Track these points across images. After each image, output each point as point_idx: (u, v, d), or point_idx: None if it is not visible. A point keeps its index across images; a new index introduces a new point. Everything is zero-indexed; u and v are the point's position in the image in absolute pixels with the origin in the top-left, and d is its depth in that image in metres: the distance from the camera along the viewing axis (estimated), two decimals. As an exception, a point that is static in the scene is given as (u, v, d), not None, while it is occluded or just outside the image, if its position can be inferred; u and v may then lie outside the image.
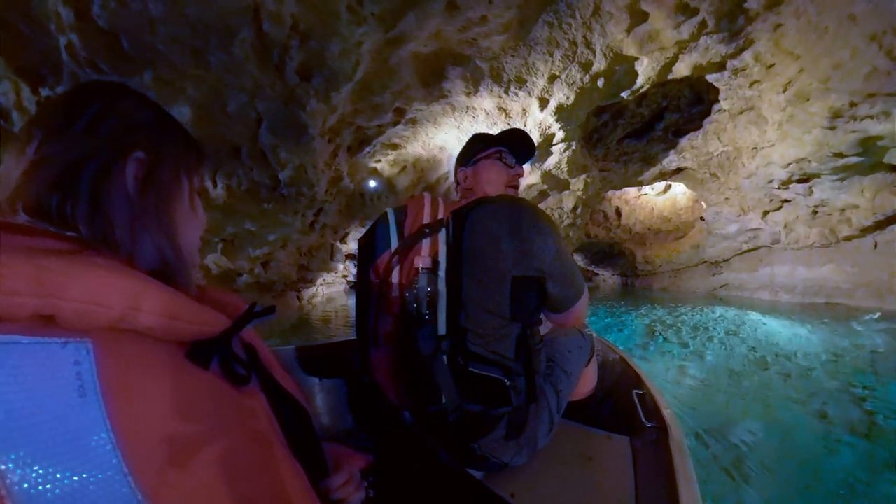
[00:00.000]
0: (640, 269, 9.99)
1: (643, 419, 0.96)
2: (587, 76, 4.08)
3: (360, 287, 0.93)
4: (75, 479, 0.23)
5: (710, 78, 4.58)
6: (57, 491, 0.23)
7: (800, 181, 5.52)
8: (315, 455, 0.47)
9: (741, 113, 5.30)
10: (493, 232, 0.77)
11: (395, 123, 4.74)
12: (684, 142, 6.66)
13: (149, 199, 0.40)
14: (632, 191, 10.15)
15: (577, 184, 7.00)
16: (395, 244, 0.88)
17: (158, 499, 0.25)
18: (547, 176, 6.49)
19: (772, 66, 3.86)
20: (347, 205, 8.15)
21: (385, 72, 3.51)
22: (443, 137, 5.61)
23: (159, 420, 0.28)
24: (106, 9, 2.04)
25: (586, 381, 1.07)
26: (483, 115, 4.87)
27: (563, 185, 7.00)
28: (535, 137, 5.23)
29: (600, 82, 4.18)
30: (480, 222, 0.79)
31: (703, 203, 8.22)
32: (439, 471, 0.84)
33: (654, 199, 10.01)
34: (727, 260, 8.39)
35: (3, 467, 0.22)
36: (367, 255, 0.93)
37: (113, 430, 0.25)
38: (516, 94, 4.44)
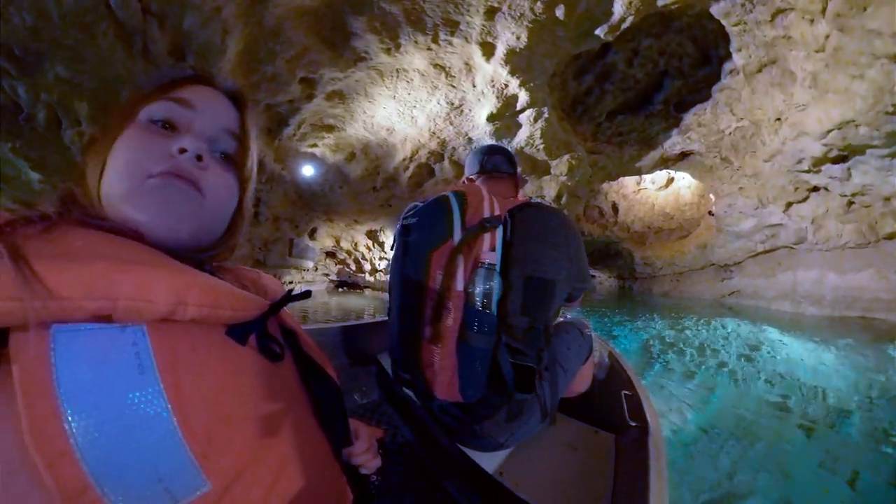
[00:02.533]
0: (638, 272, 8.82)
1: (628, 418, 0.99)
2: (539, 3, 2.99)
3: (405, 277, 0.90)
4: (139, 443, 0.27)
5: (716, 11, 3.45)
6: (124, 454, 0.26)
7: (836, 160, 4.33)
8: (340, 424, 0.49)
9: (760, 70, 4.14)
10: (547, 238, 0.86)
11: (310, 97, 4.08)
12: (689, 118, 5.50)
13: (87, 173, 0.39)
14: (630, 185, 9.05)
15: (560, 166, 5.86)
16: (458, 234, 0.84)
17: (208, 458, 0.29)
18: (519, 156, 5.37)
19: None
20: (299, 196, 7.33)
21: (266, 36, 3.02)
22: (384, 115, 4.82)
23: (205, 391, 0.31)
24: (-6, 23, 2.27)
25: (582, 379, 1.14)
26: (418, 77, 4.02)
27: (542, 169, 5.88)
28: (491, 100, 4.17)
29: (560, 12, 3.08)
30: (537, 226, 0.86)
31: (711, 196, 7.05)
32: (439, 448, 0.95)
33: (655, 193, 8.89)
34: (739, 263, 7.16)
35: (75, 434, 0.24)
36: (420, 241, 0.89)
37: (169, 401, 0.28)
38: (449, 43, 3.49)
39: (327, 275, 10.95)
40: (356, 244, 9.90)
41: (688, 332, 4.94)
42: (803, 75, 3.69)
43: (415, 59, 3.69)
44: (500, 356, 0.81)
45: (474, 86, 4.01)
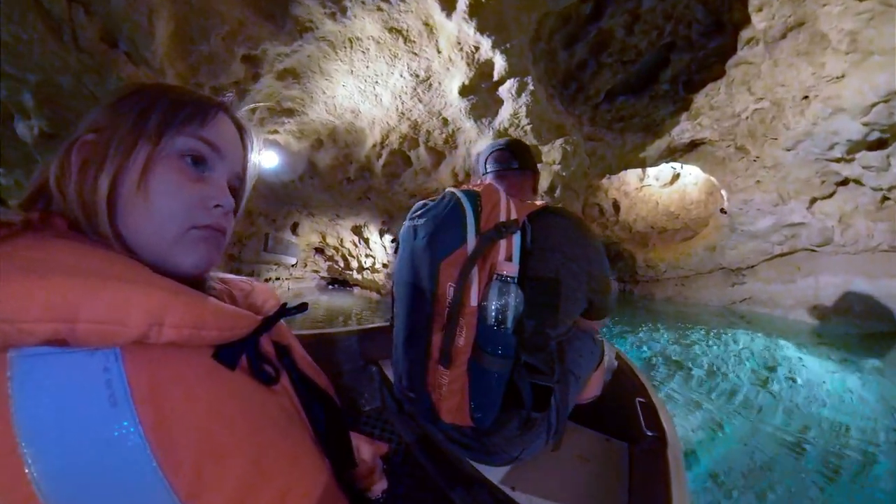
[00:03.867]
0: (640, 275, 8.12)
1: (644, 427, 0.96)
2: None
3: (412, 287, 0.83)
4: (113, 487, 0.24)
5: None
6: (96, 495, 0.23)
7: (874, 146, 3.65)
8: (343, 447, 0.46)
9: (784, 36, 3.48)
10: (567, 249, 0.80)
11: (256, 77, 3.73)
12: (700, 99, 4.83)
13: (84, 184, 0.35)
14: (632, 181, 8.38)
15: (552, 153, 5.20)
16: (472, 241, 0.75)
17: (197, 499, 0.26)
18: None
19: None
20: (271, 189, 6.85)
21: (195, 13, 2.85)
22: (346, 95, 4.32)
23: (192, 422, 0.28)
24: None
25: (592, 386, 1.08)
26: (374, 46, 3.51)
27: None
28: (462, 69, 3.58)
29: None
30: (557, 235, 0.80)
31: (723, 192, 6.35)
32: (446, 459, 0.90)
33: (659, 191, 8.21)
34: (752, 266, 6.44)
35: (37, 479, 0.22)
36: (429, 248, 0.80)
37: (146, 436, 0.25)
38: (403, 0, 3.00)
39: (317, 272, 10.53)
40: (342, 240, 9.41)
41: (696, 347, 4.31)
42: (839, 37, 3.03)
43: (366, 23, 3.22)
44: (518, 379, 0.75)
45: (439, 51, 3.42)
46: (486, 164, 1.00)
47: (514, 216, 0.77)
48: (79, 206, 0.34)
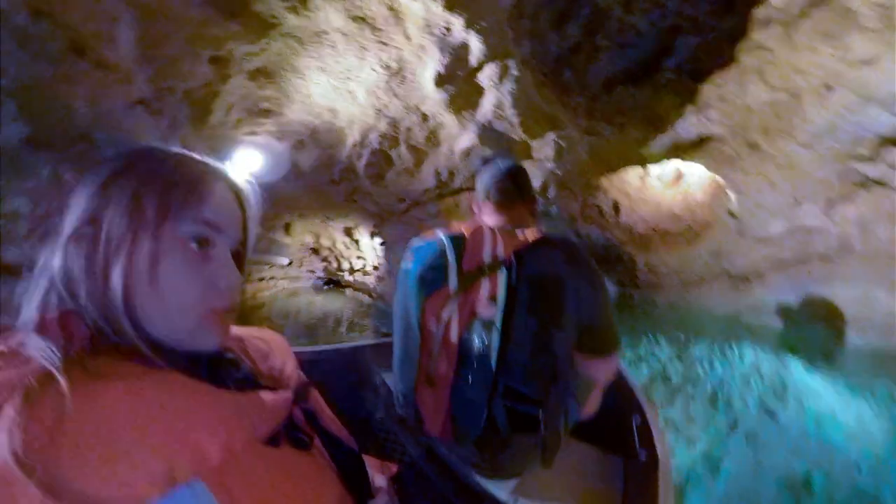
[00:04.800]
0: (641, 279, 7.70)
1: (638, 445, 1.00)
2: None
3: (403, 318, 0.93)
4: None
5: None
6: None
7: (904, 142, 3.21)
8: (364, 487, 0.52)
9: (804, 14, 3.04)
10: (552, 279, 0.83)
11: (226, 78, 3.53)
12: (708, 90, 4.37)
13: (95, 287, 0.36)
14: (633, 181, 7.92)
15: (544, 148, 4.80)
16: (453, 282, 0.85)
17: None
18: (488, 134, 4.32)
19: None
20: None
21: (156, 16, 2.81)
22: (321, 93, 4.09)
23: (259, 499, 0.34)
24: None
25: (592, 403, 1.16)
26: (341, 39, 3.25)
27: (522, 152, 4.83)
28: (435, 56, 3.27)
29: None
30: (544, 265, 0.84)
31: (730, 193, 5.90)
32: (448, 470, 0.95)
33: (662, 191, 7.76)
34: (761, 274, 6.00)
35: None
36: (415, 287, 0.91)
37: None
38: None
39: (313, 272, 10.40)
40: (335, 241, 9.22)
41: (697, 366, 4.01)
42: (868, 12, 2.62)
43: (329, 15, 3.04)
44: (495, 408, 0.82)
45: (408, 38, 3.13)
46: (487, 193, 1.04)
47: (500, 253, 0.82)
48: (96, 310, 0.35)
